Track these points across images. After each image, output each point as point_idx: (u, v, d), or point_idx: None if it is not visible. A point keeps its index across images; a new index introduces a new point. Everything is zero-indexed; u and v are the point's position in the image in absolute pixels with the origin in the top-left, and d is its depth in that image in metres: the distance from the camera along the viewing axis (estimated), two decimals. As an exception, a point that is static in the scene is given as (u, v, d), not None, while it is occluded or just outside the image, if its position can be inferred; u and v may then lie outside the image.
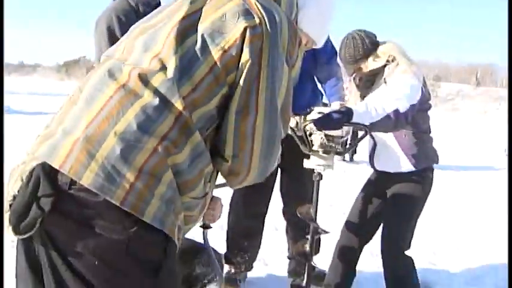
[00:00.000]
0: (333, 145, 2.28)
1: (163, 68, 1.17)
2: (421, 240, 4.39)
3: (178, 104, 1.14)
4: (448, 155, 12.44)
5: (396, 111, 2.26)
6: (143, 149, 1.09)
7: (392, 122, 2.27)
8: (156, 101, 1.13)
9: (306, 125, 2.27)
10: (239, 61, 1.21)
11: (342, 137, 2.31)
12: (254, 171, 1.28)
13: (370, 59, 2.53)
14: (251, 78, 1.21)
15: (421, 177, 2.59)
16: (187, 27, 1.21)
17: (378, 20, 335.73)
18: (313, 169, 2.34)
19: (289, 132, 2.51)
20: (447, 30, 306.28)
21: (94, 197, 1.06)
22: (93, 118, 1.10)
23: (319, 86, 3.17)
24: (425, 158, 2.60)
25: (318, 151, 2.30)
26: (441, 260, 3.99)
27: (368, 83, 2.62)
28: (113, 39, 2.56)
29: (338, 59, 2.83)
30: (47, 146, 1.11)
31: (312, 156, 2.33)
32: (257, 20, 1.22)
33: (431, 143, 2.69)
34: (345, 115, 2.17)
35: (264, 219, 3.19)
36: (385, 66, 2.50)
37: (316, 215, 2.41)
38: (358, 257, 2.81)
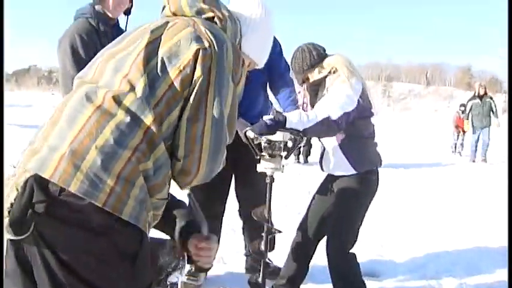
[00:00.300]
0: (276, 148, 2.50)
1: (133, 88, 1.38)
2: (369, 234, 4.71)
3: (148, 119, 1.36)
4: (399, 154, 13.00)
5: (328, 119, 2.47)
6: (120, 159, 1.30)
7: (324, 128, 2.49)
8: (128, 118, 1.34)
9: (246, 132, 2.51)
10: (193, 78, 1.44)
11: (282, 141, 2.52)
12: (202, 171, 1.49)
13: (316, 70, 2.75)
14: (201, 91, 1.44)
15: (364, 179, 2.79)
16: (150, 52, 1.44)
17: (331, 23, 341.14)
18: (265, 172, 2.57)
19: (243, 137, 2.75)
20: (397, 31, 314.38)
21: (81, 201, 1.26)
22: (76, 136, 1.30)
23: (271, 97, 3.42)
24: (367, 162, 2.81)
25: (264, 155, 2.53)
26: (388, 252, 4.28)
27: (313, 92, 2.85)
28: (76, 57, 2.74)
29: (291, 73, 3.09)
30: (36, 160, 1.29)
31: (261, 160, 2.55)
32: (207, 44, 1.46)
33: (375, 147, 2.89)
34: (278, 122, 2.41)
35: (221, 219, 3.37)
36: (326, 77, 2.74)
37: (270, 215, 2.61)
38: (312, 254, 3.01)
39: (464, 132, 14.69)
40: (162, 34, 1.48)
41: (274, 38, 3.14)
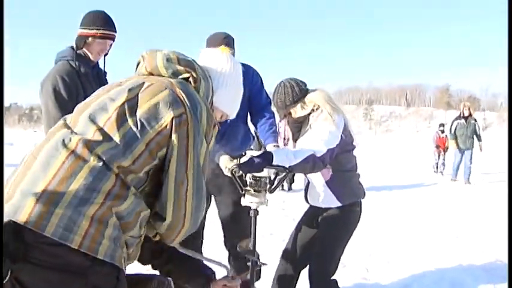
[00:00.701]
0: (261, 184, 2.55)
1: (106, 139, 1.46)
2: (354, 258, 4.76)
3: (118, 168, 1.44)
4: (382, 176, 13.14)
5: (313, 156, 2.53)
6: (93, 203, 1.36)
7: (310, 165, 2.54)
8: (100, 164, 1.42)
9: (233, 169, 2.54)
10: (169, 140, 1.55)
11: (268, 177, 2.58)
12: (188, 223, 1.63)
13: (299, 106, 2.80)
14: (181, 156, 1.57)
15: (348, 211, 2.86)
16: (127, 110, 1.53)
17: (313, 49, 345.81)
18: (250, 206, 2.61)
19: (227, 172, 2.80)
20: (377, 54, 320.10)
21: (57, 245, 1.31)
22: (50, 180, 1.36)
23: (252, 129, 3.48)
24: (351, 195, 2.87)
25: (249, 190, 2.57)
26: (373, 275, 4.31)
27: (296, 128, 2.91)
28: (58, 98, 2.81)
29: (272, 106, 3.16)
30: (8, 206, 1.34)
31: (246, 195, 2.59)
32: (183, 109, 1.57)
33: (357, 178, 2.96)
34: (265, 160, 2.46)
35: (202, 235, 3.41)
36: (310, 114, 2.80)
37: (255, 247, 2.64)
38: (295, 282, 3.04)
39: (445, 152, 14.91)
40: (138, 93, 1.58)
41: (255, 70, 3.25)
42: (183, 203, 1.59)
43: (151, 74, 1.73)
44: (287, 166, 2.49)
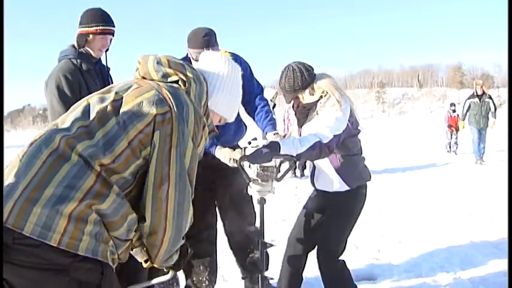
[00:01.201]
0: (268, 174, 2.61)
1: (88, 137, 1.50)
2: (366, 240, 4.83)
3: (97, 167, 1.47)
4: (396, 158, 13.13)
5: (320, 142, 2.57)
6: (71, 201, 1.39)
7: (316, 151, 2.60)
8: (81, 162, 1.45)
9: (241, 161, 2.63)
10: (151, 139, 1.57)
11: (275, 166, 2.63)
12: (169, 230, 1.63)
13: (307, 91, 2.80)
14: (163, 155, 1.57)
15: (355, 194, 2.92)
16: (111, 109, 1.57)
17: (321, 32, 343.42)
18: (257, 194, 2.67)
19: (231, 163, 2.87)
20: (387, 36, 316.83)
21: (36, 244, 1.35)
22: (31, 180, 1.40)
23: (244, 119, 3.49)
24: (358, 178, 2.93)
25: (256, 180, 2.64)
26: (384, 255, 4.37)
27: (303, 114, 2.94)
28: (62, 96, 2.90)
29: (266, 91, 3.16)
30: None
31: (252, 184, 2.66)
32: (168, 108, 1.59)
33: (363, 162, 3.01)
34: (273, 149, 2.52)
35: (215, 228, 3.43)
36: (318, 100, 2.82)
37: (263, 232, 2.72)
38: (304, 263, 3.11)
39: (457, 131, 14.81)
40: (123, 96, 1.63)
41: (242, 59, 3.24)
42: (163, 204, 1.58)
43: (144, 78, 1.77)
44: (294, 154, 2.55)
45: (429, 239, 4.83)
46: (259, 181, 2.64)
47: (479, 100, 11.53)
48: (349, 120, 2.73)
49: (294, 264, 3.08)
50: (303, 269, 3.12)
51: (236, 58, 3.14)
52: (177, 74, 1.74)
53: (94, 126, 1.54)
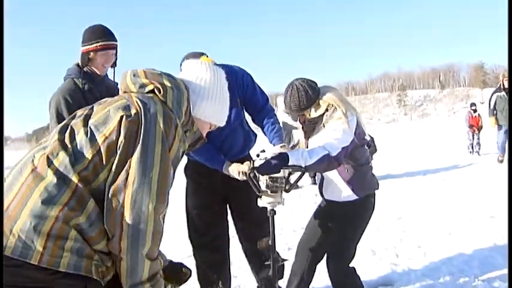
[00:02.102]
0: (278, 185, 2.64)
1: (62, 150, 1.54)
2: (385, 245, 4.80)
3: (74, 179, 1.49)
4: (417, 161, 12.98)
5: (328, 155, 2.59)
6: (48, 218, 1.42)
7: (325, 164, 2.62)
8: (55, 179, 1.48)
9: (250, 173, 2.66)
10: (117, 143, 1.57)
11: (284, 177, 2.67)
12: (125, 239, 1.54)
13: (313, 108, 2.83)
14: (127, 155, 1.57)
15: (363, 202, 2.93)
16: (82, 121, 1.62)
17: (337, 37, 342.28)
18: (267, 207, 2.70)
19: (241, 177, 2.89)
20: (405, 37, 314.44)
21: (18, 264, 1.39)
22: (10, 201, 1.45)
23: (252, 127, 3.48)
24: (366, 187, 2.93)
25: (266, 191, 2.67)
26: (403, 260, 4.34)
27: (310, 127, 2.95)
28: (60, 119, 2.93)
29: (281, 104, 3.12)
30: None
31: (263, 196, 2.69)
32: (134, 111, 1.61)
33: (371, 171, 3.01)
34: (282, 161, 2.55)
35: (227, 249, 3.42)
36: (324, 113, 2.83)
37: (274, 245, 2.76)
38: (312, 272, 3.10)
39: (479, 131, 14.59)
40: (96, 107, 1.67)
41: (242, 71, 3.22)
42: (117, 226, 1.53)
43: (125, 92, 1.80)
44: (303, 166, 2.58)
45: (449, 243, 4.78)
46: (269, 192, 2.66)
47: (506, 94, 10.29)
48: (355, 132, 2.75)
49: (302, 272, 3.08)
50: (312, 278, 3.12)
51: (236, 73, 3.15)
52: (152, 83, 1.75)
53: (67, 140, 1.57)
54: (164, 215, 1.66)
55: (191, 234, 3.34)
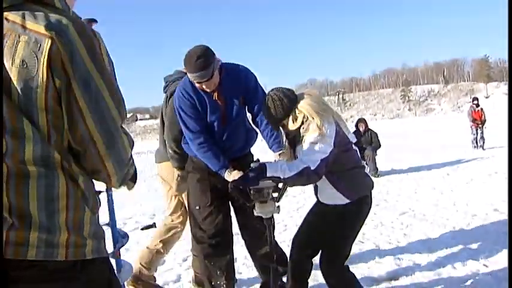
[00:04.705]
0: (264, 196, 2.65)
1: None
2: (389, 240, 4.81)
3: (57, 160, 1.31)
4: (421, 157, 12.97)
5: (307, 169, 2.57)
6: (59, 211, 1.29)
7: (304, 178, 2.60)
8: (43, 171, 1.29)
9: (231, 185, 2.67)
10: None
11: (270, 187, 2.65)
12: (109, 167, 1.40)
13: (290, 118, 2.79)
14: (67, 94, 1.27)
15: (357, 205, 2.88)
16: None
17: (340, 32, 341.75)
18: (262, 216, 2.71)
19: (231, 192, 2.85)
20: (409, 33, 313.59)
21: (40, 267, 1.28)
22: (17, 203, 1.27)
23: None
24: (358, 191, 2.88)
25: (255, 202, 2.68)
26: (407, 255, 4.33)
27: (291, 142, 2.93)
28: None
29: None
30: None
31: (255, 206, 2.71)
32: (48, 42, 1.22)
33: (363, 173, 2.97)
34: (260, 173, 2.56)
35: (230, 245, 3.42)
36: (301, 126, 2.78)
37: (273, 254, 2.78)
38: (309, 267, 3.08)
39: (482, 125, 14.57)
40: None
41: (248, 69, 3.23)
42: (90, 146, 1.36)
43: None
44: (281, 177, 2.57)
45: (453, 237, 4.78)
46: (259, 203, 2.68)
47: None
48: (336, 137, 2.68)
49: (299, 268, 3.06)
50: (309, 274, 3.10)
51: (238, 72, 3.16)
52: None
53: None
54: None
55: (193, 230, 3.36)
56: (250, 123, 3.33)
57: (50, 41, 1.22)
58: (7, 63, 1.22)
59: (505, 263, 3.84)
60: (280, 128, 2.89)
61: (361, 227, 2.94)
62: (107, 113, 1.35)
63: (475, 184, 8.01)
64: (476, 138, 14.72)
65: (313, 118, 2.69)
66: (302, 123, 2.76)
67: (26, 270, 1.26)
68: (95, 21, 2.72)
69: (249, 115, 3.38)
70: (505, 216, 5.43)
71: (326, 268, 2.87)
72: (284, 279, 3.25)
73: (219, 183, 3.17)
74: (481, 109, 15.22)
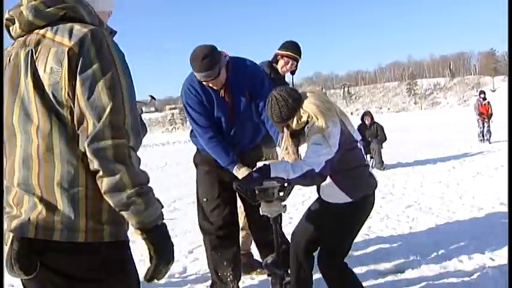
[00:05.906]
0: (269, 195, 2.63)
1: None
2: (395, 233, 4.83)
3: (78, 150, 1.47)
4: (427, 150, 12.94)
5: (312, 171, 2.55)
6: (79, 200, 1.46)
7: (308, 180, 2.60)
8: (66, 163, 1.47)
9: (235, 185, 2.66)
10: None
11: (275, 187, 2.63)
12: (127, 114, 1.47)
13: (295, 118, 2.77)
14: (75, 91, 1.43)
15: (359, 204, 2.86)
16: None
17: (343, 27, 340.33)
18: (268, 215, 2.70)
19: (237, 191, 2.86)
20: (415, 26, 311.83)
21: (65, 248, 1.46)
22: (41, 192, 1.48)
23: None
24: (361, 189, 2.86)
25: (261, 201, 2.67)
26: (413, 248, 4.33)
27: (296, 142, 2.90)
28: None
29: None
30: (16, 222, 1.45)
31: (261, 205, 2.70)
32: (68, 50, 1.42)
33: (366, 172, 2.94)
34: (263, 174, 2.55)
35: (237, 237, 3.48)
36: (306, 125, 2.78)
37: (279, 257, 2.77)
38: (310, 260, 3.07)
39: (489, 119, 14.51)
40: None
41: (256, 65, 3.24)
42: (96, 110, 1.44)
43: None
44: (285, 178, 2.55)
45: (459, 230, 4.79)
46: (263, 202, 2.67)
47: None
48: (341, 136, 2.66)
49: (298, 261, 3.06)
50: (311, 267, 3.09)
51: (249, 65, 3.18)
52: (62, 9, 1.56)
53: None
54: None
55: (201, 222, 3.40)
56: (258, 118, 3.32)
57: (68, 49, 1.43)
58: (40, 70, 1.46)
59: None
60: (284, 128, 2.86)
61: (362, 225, 2.92)
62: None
63: (481, 178, 8.00)
64: (483, 131, 14.66)
65: (317, 118, 2.67)
66: (307, 122, 2.75)
67: (54, 243, 1.45)
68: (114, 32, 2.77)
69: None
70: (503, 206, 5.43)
71: (324, 265, 2.84)
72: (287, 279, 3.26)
73: (227, 176, 3.19)
74: (488, 102, 15.16)
